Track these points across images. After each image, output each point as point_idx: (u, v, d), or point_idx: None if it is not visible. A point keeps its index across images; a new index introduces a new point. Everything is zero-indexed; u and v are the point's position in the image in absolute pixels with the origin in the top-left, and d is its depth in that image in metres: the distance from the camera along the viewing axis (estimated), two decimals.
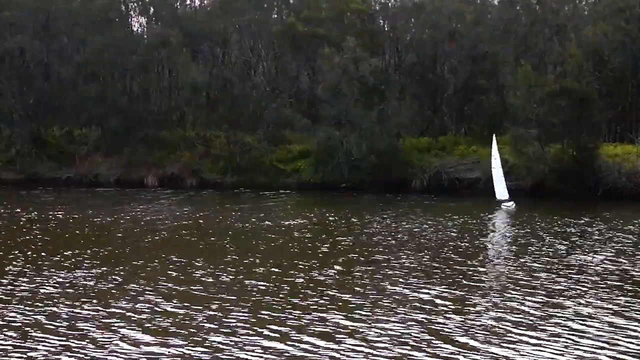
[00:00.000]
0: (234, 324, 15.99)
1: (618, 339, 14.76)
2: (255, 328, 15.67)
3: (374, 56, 58.00)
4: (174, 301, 18.04)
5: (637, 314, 16.69)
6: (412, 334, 15.19)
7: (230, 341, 14.82)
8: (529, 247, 26.79)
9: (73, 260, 23.66)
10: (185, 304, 17.64)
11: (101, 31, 61.33)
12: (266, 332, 15.39)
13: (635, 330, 15.38)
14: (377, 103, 55.31)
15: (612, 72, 54.37)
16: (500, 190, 43.79)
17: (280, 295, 18.68)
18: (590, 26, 55.49)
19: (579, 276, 21.14)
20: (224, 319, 16.37)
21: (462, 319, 16.27)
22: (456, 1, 61.48)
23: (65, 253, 24.89)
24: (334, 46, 56.89)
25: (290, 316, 16.60)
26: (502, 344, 14.49)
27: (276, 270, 22.08)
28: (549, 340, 14.64)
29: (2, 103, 60.94)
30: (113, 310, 17.20)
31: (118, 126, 58.38)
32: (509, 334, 15.13)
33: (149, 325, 15.95)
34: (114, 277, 20.96)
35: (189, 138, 60.19)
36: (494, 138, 45.31)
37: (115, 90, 61.86)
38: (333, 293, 18.87)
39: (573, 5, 63.44)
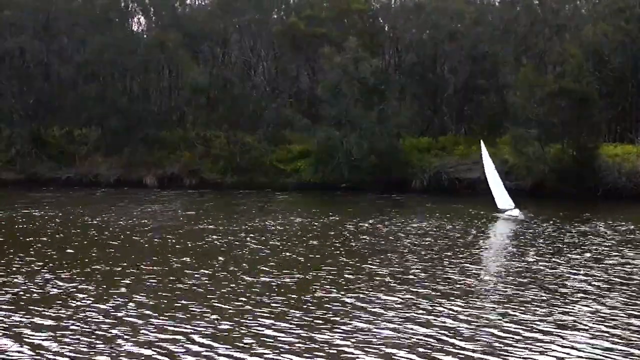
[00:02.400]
0: (184, 334, 14.91)
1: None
2: (207, 339, 14.59)
3: (374, 56, 58.04)
4: (107, 310, 16.75)
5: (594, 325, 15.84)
6: (347, 345, 14.28)
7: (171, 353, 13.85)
8: (512, 251, 26.25)
9: (18, 262, 22.45)
10: (119, 315, 16.33)
11: (101, 31, 61.36)
12: (218, 344, 14.35)
13: (589, 344, 14.55)
14: (377, 103, 55.34)
15: (612, 72, 54.42)
16: (501, 198, 38.04)
17: (234, 302, 17.60)
18: (590, 26, 55.53)
19: (554, 286, 20.00)
20: (165, 330, 15.23)
21: (400, 328, 15.34)
22: (456, 1, 61.50)
23: (18, 255, 23.70)
24: (334, 46, 56.92)
25: (238, 326, 15.56)
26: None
27: (227, 275, 20.93)
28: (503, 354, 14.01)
29: (2, 103, 60.93)
30: (33, 320, 15.91)
31: (118, 126, 58.40)
32: (449, 348, 14.25)
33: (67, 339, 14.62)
34: (53, 282, 19.64)
35: (189, 138, 60.21)
36: (482, 144, 41.07)
37: (115, 90, 61.86)
38: (289, 299, 17.94)
39: (573, 5, 63.43)
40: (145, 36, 68.86)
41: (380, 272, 21.56)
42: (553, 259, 24.10)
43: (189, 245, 26.81)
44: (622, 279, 20.87)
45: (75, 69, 61.83)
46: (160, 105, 64.42)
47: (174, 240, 27.88)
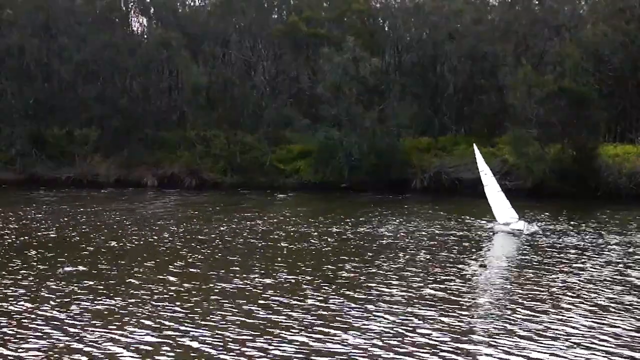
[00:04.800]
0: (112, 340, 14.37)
1: None
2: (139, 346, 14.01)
3: (375, 56, 58.00)
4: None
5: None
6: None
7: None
8: (498, 257, 25.56)
9: None
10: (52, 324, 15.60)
11: (101, 31, 61.31)
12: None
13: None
14: (377, 103, 55.36)
15: (611, 72, 54.40)
16: (502, 210, 32.19)
17: (190, 305, 17.06)
18: (589, 26, 55.49)
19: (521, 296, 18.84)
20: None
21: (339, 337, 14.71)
22: (456, 1, 61.49)
23: None
24: (334, 46, 56.91)
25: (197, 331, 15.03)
26: None
27: (189, 281, 20.11)
28: None
29: (2, 103, 60.96)
30: None
31: (118, 126, 58.39)
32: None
33: None
34: None
35: (188, 138, 60.16)
36: (475, 147, 35.04)
37: (115, 90, 61.79)
38: (244, 305, 17.25)
39: (572, 5, 63.32)
40: (145, 36, 68.80)
41: (343, 276, 20.92)
42: (530, 266, 23.04)
43: (150, 245, 26.20)
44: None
45: (75, 69, 61.77)
46: (160, 106, 64.35)
47: (136, 242, 27.34)
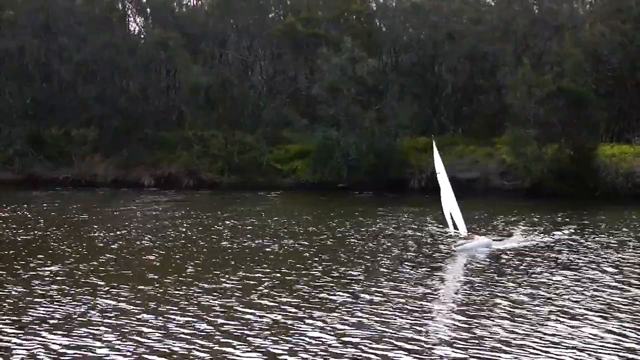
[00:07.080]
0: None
1: None
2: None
3: (373, 56, 57.86)
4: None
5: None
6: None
7: None
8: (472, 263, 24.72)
9: None
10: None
11: (101, 31, 61.29)
12: None
13: None
14: (375, 103, 55.24)
15: (610, 73, 54.21)
16: (456, 221, 27.83)
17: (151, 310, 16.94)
18: (588, 27, 55.30)
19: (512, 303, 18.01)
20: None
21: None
22: (456, 1, 61.31)
23: None
24: (332, 46, 56.77)
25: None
26: None
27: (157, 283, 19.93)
28: None
29: (1, 103, 61.00)
30: None
31: (118, 126, 58.35)
32: None
33: None
34: None
35: (187, 138, 60.04)
36: (434, 145, 30.58)
37: (114, 90, 61.70)
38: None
39: (570, 6, 63.07)
40: (142, 36, 68.76)
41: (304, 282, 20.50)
42: (494, 271, 22.17)
43: (95, 247, 26.09)
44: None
45: (75, 69, 61.73)
46: (159, 105, 64.25)
47: (88, 243, 27.25)
